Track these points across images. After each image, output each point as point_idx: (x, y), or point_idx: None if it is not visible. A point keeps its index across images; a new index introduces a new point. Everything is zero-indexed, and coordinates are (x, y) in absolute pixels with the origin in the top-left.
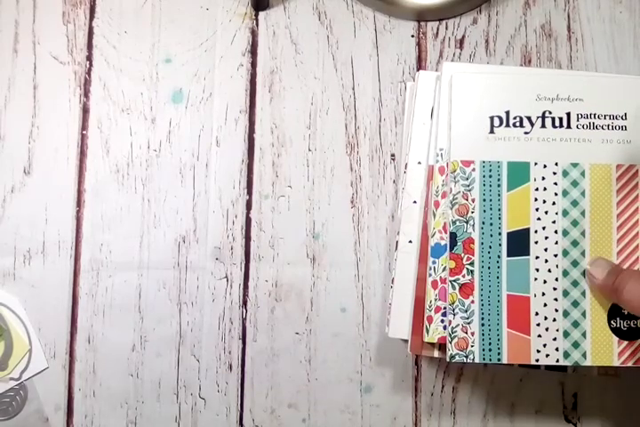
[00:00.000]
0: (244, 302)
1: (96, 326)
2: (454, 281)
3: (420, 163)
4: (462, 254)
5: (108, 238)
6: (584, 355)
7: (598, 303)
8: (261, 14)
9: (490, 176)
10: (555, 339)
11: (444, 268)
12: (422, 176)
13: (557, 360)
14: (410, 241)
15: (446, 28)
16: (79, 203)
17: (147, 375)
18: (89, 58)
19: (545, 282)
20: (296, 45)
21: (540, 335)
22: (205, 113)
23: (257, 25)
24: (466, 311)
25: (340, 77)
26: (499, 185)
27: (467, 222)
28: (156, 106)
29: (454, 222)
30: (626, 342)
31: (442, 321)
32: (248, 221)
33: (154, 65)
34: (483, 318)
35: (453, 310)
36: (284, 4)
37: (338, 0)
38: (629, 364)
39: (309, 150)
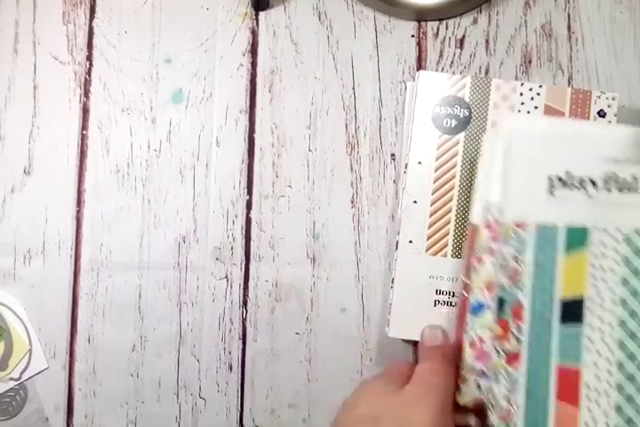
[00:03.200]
0: (244, 302)
1: (96, 326)
2: (501, 349)
3: (420, 163)
4: (510, 321)
5: (108, 238)
6: None
7: None
8: (261, 14)
9: (545, 240)
10: (606, 414)
11: (484, 327)
12: (422, 176)
13: None
14: (410, 241)
15: (446, 28)
16: (79, 203)
17: (147, 375)
18: (89, 58)
19: (599, 353)
20: (296, 45)
21: (589, 409)
22: (205, 113)
23: (257, 25)
24: (511, 382)
25: (340, 77)
26: (554, 249)
27: (516, 287)
28: (156, 106)
29: (503, 287)
30: None
31: (476, 383)
32: (248, 221)
33: (154, 65)
34: (529, 390)
35: (496, 378)
36: (284, 4)
37: (338, 0)
38: None
39: (309, 150)
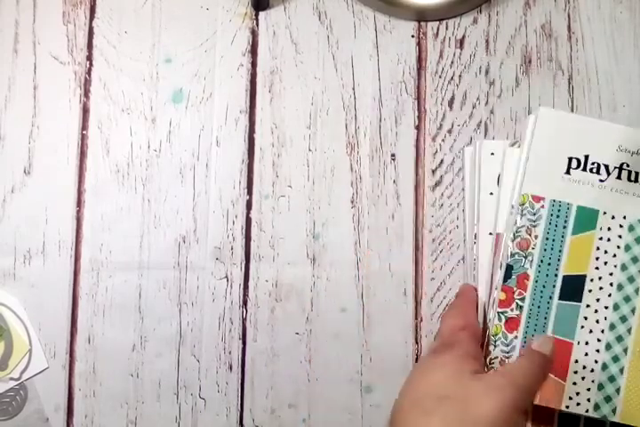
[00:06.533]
0: (244, 302)
1: (96, 326)
2: (502, 313)
3: (491, 234)
4: (515, 288)
5: (108, 238)
6: (614, 411)
7: (638, 363)
8: (261, 14)
9: (557, 216)
10: (589, 389)
11: None
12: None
13: (587, 411)
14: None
15: (446, 28)
16: (79, 203)
17: (147, 375)
18: (89, 58)
19: (591, 332)
20: (296, 45)
21: (575, 383)
22: (205, 113)
23: (257, 25)
24: (507, 345)
25: (340, 77)
26: (564, 227)
27: (525, 257)
28: (156, 106)
29: (513, 255)
30: None
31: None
32: (248, 221)
33: (154, 65)
34: None
35: (495, 342)
36: (284, 4)
37: (338, 0)
38: None
39: (309, 150)
